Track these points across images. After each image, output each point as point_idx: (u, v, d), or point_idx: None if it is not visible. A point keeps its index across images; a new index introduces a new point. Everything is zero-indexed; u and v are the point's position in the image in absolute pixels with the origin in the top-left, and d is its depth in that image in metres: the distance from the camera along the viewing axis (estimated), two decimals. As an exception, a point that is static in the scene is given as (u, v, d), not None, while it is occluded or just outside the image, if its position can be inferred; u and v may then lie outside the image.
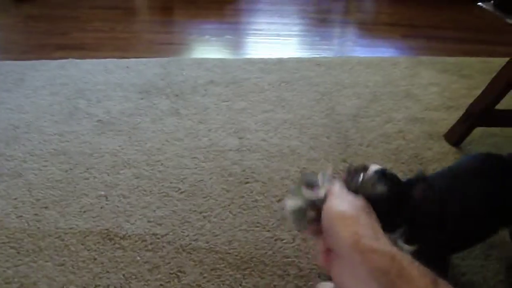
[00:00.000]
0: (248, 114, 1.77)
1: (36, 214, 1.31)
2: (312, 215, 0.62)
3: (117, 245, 1.23)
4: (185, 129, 1.68)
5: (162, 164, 1.51)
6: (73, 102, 1.81)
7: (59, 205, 1.35)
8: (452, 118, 1.73)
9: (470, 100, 1.60)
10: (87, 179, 1.44)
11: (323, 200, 0.61)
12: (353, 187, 0.64)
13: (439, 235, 0.88)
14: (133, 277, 1.15)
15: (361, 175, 0.66)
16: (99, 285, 1.12)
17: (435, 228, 0.86)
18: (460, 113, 1.65)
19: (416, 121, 1.77)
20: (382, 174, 0.72)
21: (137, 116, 1.74)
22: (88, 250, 1.21)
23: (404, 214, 0.76)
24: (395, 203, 0.73)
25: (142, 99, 1.84)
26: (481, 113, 1.52)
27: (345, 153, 1.58)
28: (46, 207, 1.34)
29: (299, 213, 0.63)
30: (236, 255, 1.21)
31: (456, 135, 1.63)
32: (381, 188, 0.65)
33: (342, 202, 0.56)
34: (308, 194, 0.63)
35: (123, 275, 1.15)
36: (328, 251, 0.56)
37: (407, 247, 0.85)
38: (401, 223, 0.79)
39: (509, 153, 1.03)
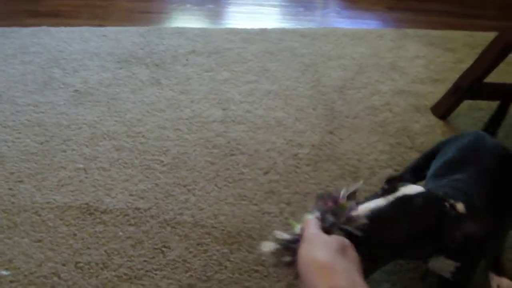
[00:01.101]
0: (232, 85, 1.71)
1: (10, 189, 1.24)
2: (288, 258, 0.60)
3: (97, 220, 1.17)
4: (167, 99, 1.61)
5: (143, 135, 1.45)
6: (48, 72, 1.71)
7: (34, 178, 1.28)
8: (438, 91, 1.71)
9: (455, 74, 1.58)
10: (65, 151, 1.37)
11: (297, 240, 0.60)
12: (328, 225, 0.62)
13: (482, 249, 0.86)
14: (116, 253, 1.10)
15: (344, 211, 0.65)
16: (79, 262, 1.07)
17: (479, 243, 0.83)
18: (446, 86, 1.63)
19: (402, 93, 1.74)
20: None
21: (115, 87, 1.66)
22: (67, 225, 1.16)
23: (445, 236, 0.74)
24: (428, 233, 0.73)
25: (120, 68, 1.76)
26: (470, 86, 1.50)
27: (331, 125, 1.55)
28: (21, 181, 1.27)
29: (275, 256, 0.62)
30: (223, 230, 1.17)
31: (443, 109, 1.61)
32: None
33: (316, 247, 0.54)
34: (280, 235, 0.62)
35: (105, 251, 1.10)
36: None
37: (450, 262, 0.84)
38: (445, 243, 0.77)
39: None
